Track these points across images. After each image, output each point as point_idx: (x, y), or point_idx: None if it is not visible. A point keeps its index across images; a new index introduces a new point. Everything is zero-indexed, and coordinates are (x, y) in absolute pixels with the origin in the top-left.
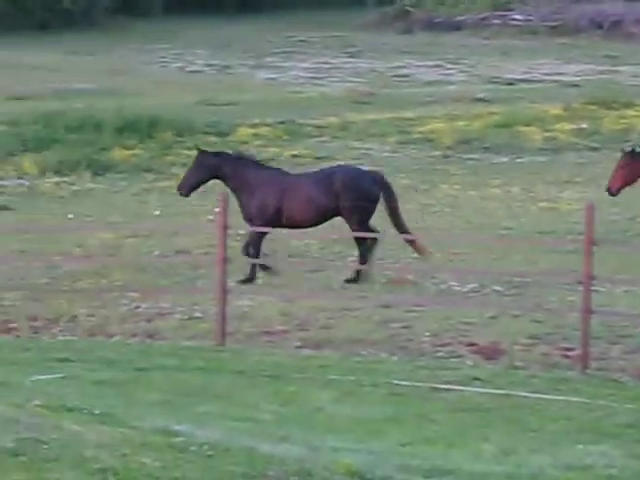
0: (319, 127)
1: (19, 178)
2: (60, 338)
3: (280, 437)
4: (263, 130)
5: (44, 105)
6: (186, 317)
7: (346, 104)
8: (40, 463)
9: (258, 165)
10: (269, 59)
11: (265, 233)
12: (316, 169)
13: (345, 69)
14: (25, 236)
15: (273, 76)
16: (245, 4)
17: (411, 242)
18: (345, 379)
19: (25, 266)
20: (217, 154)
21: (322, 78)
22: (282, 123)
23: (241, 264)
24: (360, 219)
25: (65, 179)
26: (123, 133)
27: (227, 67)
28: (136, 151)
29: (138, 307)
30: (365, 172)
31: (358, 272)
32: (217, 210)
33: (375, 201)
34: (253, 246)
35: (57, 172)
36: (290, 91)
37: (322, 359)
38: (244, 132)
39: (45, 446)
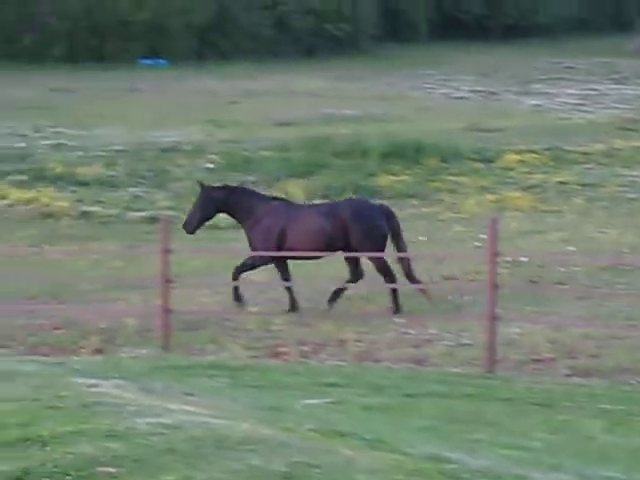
0: (585, 154)
1: None
2: (328, 363)
3: (551, 466)
4: (529, 157)
5: (311, 131)
6: (454, 344)
7: (612, 131)
8: None
9: (263, 196)
10: (535, 85)
11: (264, 262)
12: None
13: (611, 95)
14: (295, 261)
15: (539, 102)
16: (510, 30)
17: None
18: (615, 408)
19: (294, 291)
20: (221, 188)
21: (588, 104)
22: (548, 149)
23: (510, 291)
24: (372, 248)
25: None
26: (389, 159)
27: (493, 93)
28: (402, 177)
29: (405, 333)
30: (373, 204)
31: (336, 291)
32: (484, 236)
33: (383, 232)
34: (242, 267)
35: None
36: (556, 117)
37: (591, 387)
38: (510, 158)
39: (317, 470)
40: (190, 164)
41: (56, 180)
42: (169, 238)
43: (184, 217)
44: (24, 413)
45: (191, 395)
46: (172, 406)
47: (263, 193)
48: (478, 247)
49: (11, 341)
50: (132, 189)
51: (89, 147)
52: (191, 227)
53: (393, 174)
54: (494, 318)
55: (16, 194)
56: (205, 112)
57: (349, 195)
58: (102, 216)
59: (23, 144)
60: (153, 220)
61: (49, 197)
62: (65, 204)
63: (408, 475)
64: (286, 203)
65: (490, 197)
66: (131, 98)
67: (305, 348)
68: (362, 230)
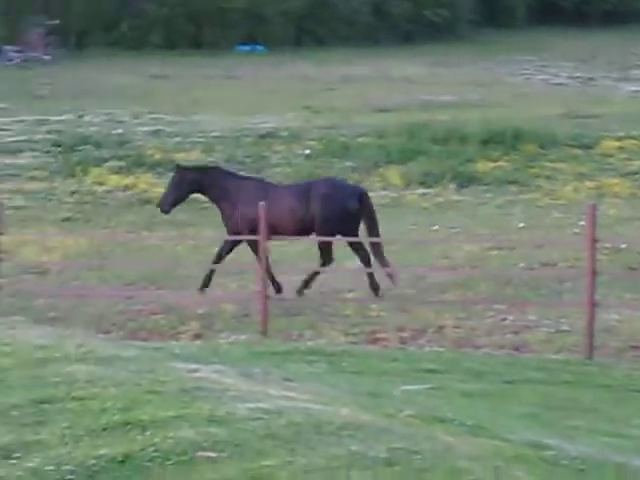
0: None
1: (384, 189)
2: (427, 349)
3: None
4: (628, 143)
5: (409, 117)
6: (553, 330)
7: None
8: (413, 473)
9: (238, 177)
10: (634, 71)
11: (237, 243)
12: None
13: None
14: (391, 247)
15: (638, 88)
16: (609, 16)
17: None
18: None
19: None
20: (195, 169)
21: None
22: None
23: (609, 278)
24: (330, 232)
25: (429, 191)
26: (487, 145)
27: (591, 79)
28: (500, 163)
29: (504, 319)
30: (345, 186)
31: (308, 279)
32: (583, 223)
33: (351, 214)
34: (220, 253)
35: (421, 184)
36: None
37: None
38: (609, 145)
39: (418, 456)
40: (287, 150)
41: (154, 166)
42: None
43: None
44: (125, 398)
45: (290, 381)
46: (272, 391)
47: (240, 174)
48: (577, 234)
49: (111, 326)
50: None
51: (187, 133)
52: (166, 207)
53: (491, 160)
54: (593, 305)
55: (115, 180)
56: (302, 98)
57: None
58: (200, 202)
59: (121, 130)
60: None
61: (147, 183)
62: (163, 190)
63: (508, 461)
64: (261, 183)
65: (588, 184)
66: (229, 84)
67: (404, 334)
68: (332, 211)
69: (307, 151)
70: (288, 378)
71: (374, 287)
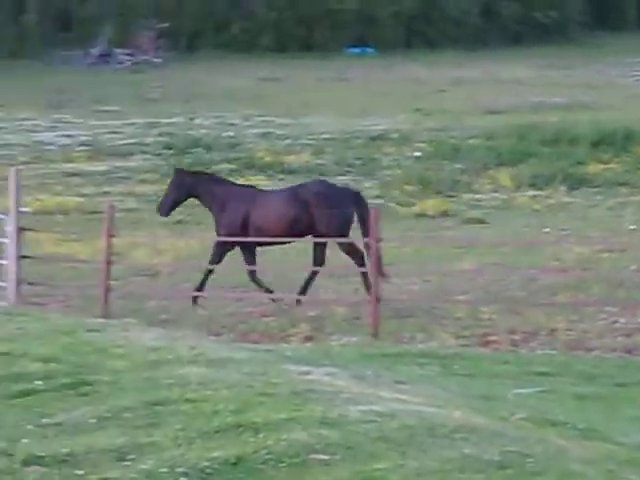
0: None
1: (494, 191)
2: (539, 352)
3: None
4: None
5: (519, 119)
6: None
7: None
8: (525, 476)
9: (231, 184)
10: None
11: (229, 248)
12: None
13: None
14: (501, 249)
15: None
16: None
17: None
18: None
19: (502, 279)
20: (194, 173)
21: None
22: None
23: None
24: (335, 232)
25: (540, 193)
26: (598, 147)
27: None
28: (611, 165)
29: (616, 322)
30: (338, 188)
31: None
32: None
33: (347, 216)
34: (213, 256)
35: (532, 186)
36: None
37: None
38: None
39: (530, 459)
40: (397, 152)
41: (265, 168)
42: (380, 227)
43: (392, 205)
44: (237, 400)
45: (402, 383)
46: (384, 394)
47: (234, 181)
48: None
49: (221, 328)
50: (340, 177)
51: (297, 135)
52: (165, 211)
53: (602, 162)
54: None
55: None
56: (413, 101)
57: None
58: None
59: (232, 133)
60: None
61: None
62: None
63: (621, 465)
64: (253, 189)
65: None
66: (339, 87)
67: (515, 337)
68: (325, 214)
69: (417, 153)
70: (400, 381)
71: (367, 286)
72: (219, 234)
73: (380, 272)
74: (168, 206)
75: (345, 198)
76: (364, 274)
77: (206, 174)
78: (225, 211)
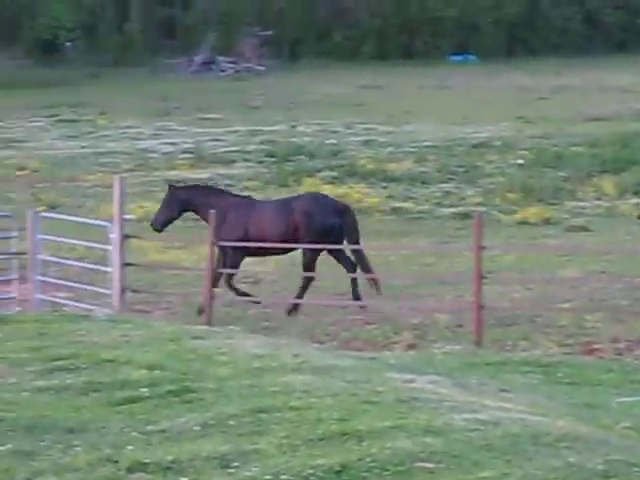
0: None
1: (597, 199)
2: None
3: None
4: None
5: (622, 126)
6: None
7: None
8: None
9: (228, 195)
10: None
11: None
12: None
13: None
14: (606, 257)
15: None
16: None
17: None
18: None
19: (606, 287)
20: (187, 187)
21: None
22: None
23: None
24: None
25: None
26: None
27: None
28: None
29: None
30: (325, 201)
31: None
32: None
33: (333, 229)
34: (228, 276)
35: (635, 193)
36: None
37: None
38: None
39: (636, 469)
40: (500, 160)
41: (367, 176)
42: (482, 234)
43: (494, 213)
44: (342, 408)
45: (506, 391)
46: (488, 402)
47: (230, 192)
48: None
49: (324, 336)
50: (443, 185)
51: (399, 143)
52: (158, 225)
53: None
54: None
55: (328, 190)
56: (515, 108)
57: None
58: (412, 212)
59: (334, 140)
60: (464, 216)
61: (360, 193)
62: (376, 200)
63: None
64: (249, 200)
65: None
66: (441, 94)
67: (619, 345)
68: (312, 227)
69: (520, 161)
70: (504, 389)
71: (356, 296)
72: (221, 248)
73: (371, 276)
74: (161, 222)
75: (330, 212)
76: (354, 280)
77: (199, 187)
78: (225, 222)
